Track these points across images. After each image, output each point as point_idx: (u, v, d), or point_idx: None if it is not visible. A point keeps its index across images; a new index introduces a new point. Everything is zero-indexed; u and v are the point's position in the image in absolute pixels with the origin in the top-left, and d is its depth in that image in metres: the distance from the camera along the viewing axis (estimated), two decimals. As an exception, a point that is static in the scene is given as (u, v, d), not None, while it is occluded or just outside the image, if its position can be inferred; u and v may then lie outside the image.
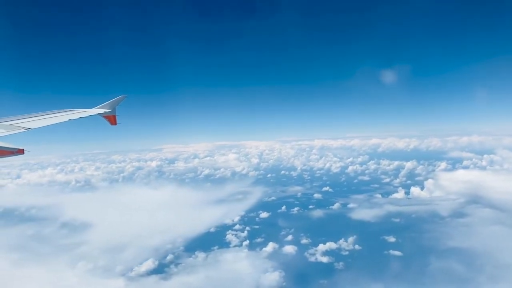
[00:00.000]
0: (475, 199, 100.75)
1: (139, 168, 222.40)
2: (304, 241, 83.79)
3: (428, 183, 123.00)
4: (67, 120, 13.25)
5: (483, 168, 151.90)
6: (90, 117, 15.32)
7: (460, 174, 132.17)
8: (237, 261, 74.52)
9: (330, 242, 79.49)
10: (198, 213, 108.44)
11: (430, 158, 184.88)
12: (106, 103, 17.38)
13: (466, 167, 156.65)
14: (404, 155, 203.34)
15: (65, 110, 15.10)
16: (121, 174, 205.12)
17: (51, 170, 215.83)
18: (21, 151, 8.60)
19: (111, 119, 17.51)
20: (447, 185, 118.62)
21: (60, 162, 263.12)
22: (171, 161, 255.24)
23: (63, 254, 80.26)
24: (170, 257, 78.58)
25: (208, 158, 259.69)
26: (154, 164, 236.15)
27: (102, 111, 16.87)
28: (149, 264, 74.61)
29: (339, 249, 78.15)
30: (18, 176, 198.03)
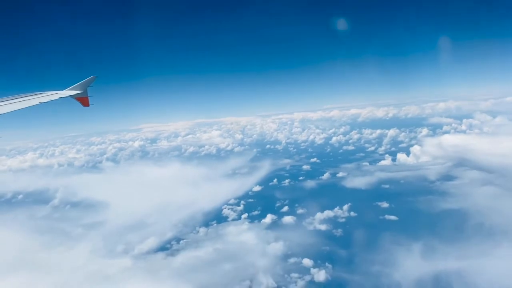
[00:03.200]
0: (462, 162, 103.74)
1: (121, 149, 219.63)
2: (300, 211, 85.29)
3: (414, 149, 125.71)
4: (38, 103, 12.89)
5: (463, 132, 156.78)
6: (61, 99, 14.94)
7: (445, 139, 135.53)
8: (241, 233, 75.59)
9: (327, 211, 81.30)
10: (191, 191, 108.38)
11: (411, 125, 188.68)
12: (77, 84, 17.00)
13: (446, 132, 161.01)
14: (384, 124, 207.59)
15: (34, 93, 14.64)
16: (104, 156, 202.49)
17: (31, 155, 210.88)
18: None
19: (83, 100, 17.18)
20: (432, 150, 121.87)
21: (37, 147, 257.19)
22: (153, 141, 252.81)
23: (62, 236, 79.51)
24: (169, 234, 78.94)
25: (190, 136, 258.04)
26: (136, 144, 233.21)
27: (73, 92, 16.55)
28: (151, 242, 74.63)
29: (336, 216, 79.94)
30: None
